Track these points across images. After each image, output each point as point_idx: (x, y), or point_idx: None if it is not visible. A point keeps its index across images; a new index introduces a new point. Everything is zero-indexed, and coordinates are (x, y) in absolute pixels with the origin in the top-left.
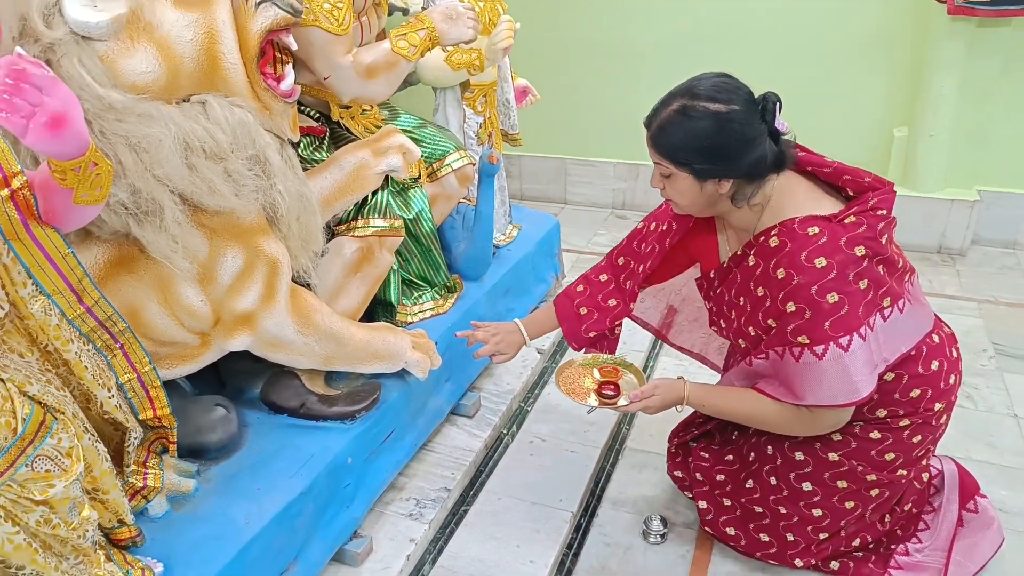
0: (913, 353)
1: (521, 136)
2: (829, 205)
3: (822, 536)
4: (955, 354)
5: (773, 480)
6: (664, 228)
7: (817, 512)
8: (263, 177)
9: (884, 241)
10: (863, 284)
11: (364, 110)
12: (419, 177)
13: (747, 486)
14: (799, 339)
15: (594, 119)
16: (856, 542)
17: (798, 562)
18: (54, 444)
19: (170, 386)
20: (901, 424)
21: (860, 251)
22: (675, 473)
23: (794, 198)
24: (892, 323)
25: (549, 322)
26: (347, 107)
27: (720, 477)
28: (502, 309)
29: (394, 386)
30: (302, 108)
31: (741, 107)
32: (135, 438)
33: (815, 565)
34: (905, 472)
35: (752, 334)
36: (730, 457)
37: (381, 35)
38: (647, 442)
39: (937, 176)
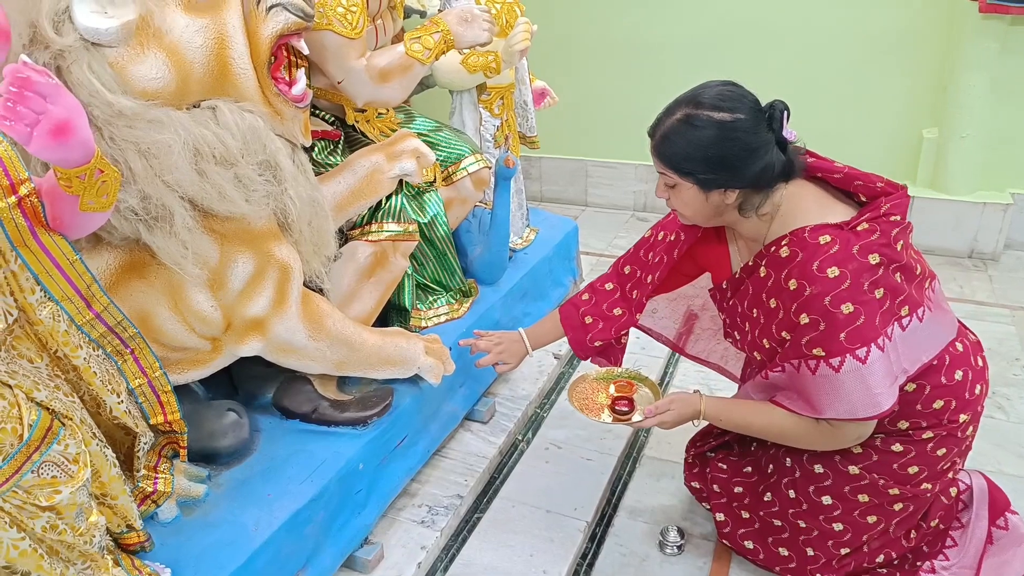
0: (935, 363)
1: (539, 138)
2: (841, 212)
3: (843, 551)
4: (980, 363)
5: (792, 493)
6: (672, 238)
7: (838, 526)
8: (274, 182)
9: (900, 247)
10: (879, 293)
11: (380, 114)
12: (434, 181)
13: (765, 499)
14: (814, 351)
15: (614, 120)
16: (880, 558)
17: None
18: (61, 450)
19: (183, 391)
20: (924, 436)
21: (874, 259)
22: (692, 484)
23: (804, 206)
24: (911, 332)
25: (554, 331)
26: (362, 111)
27: (738, 489)
28: (518, 313)
29: (407, 391)
30: (317, 112)
31: (746, 116)
32: (145, 443)
33: None
34: (930, 486)
35: (767, 347)
36: (748, 469)
37: (397, 38)
38: (665, 451)
39: (968, 178)
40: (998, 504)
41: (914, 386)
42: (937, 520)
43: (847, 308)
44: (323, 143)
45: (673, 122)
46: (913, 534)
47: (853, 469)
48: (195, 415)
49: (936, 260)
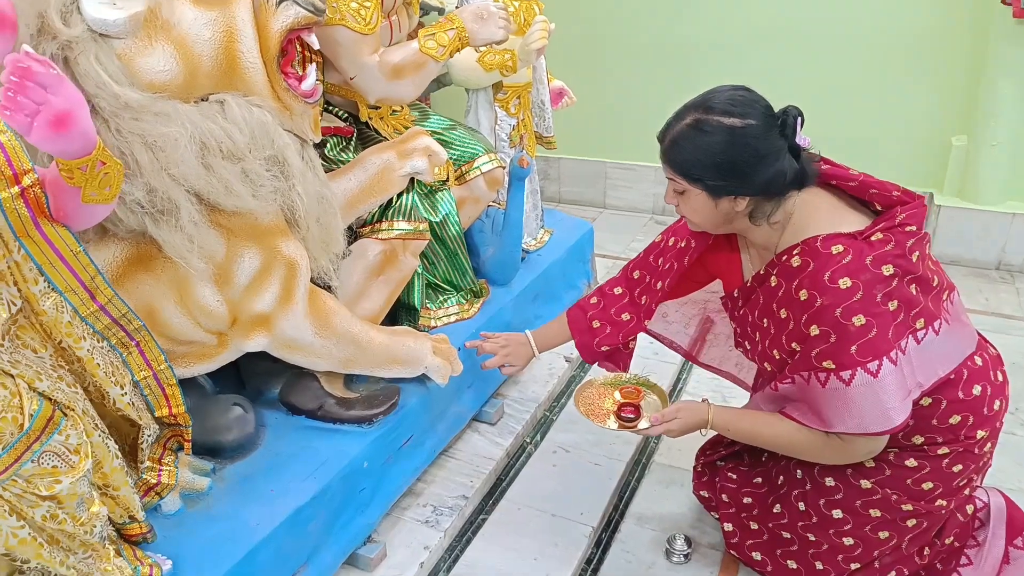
0: (952, 377)
1: (556, 139)
2: (854, 221)
3: (854, 566)
4: (1000, 377)
5: (802, 506)
6: (683, 245)
7: (848, 541)
8: (281, 178)
9: (915, 258)
10: (892, 305)
11: (394, 111)
12: (447, 180)
13: (775, 511)
14: (824, 364)
15: (634, 121)
16: (892, 575)
17: None
18: (62, 440)
19: (190, 384)
20: (939, 452)
21: (888, 270)
22: (701, 493)
23: (817, 215)
24: (927, 346)
25: (561, 334)
26: (376, 107)
27: (747, 500)
28: (530, 315)
29: (414, 391)
30: (330, 108)
31: (757, 121)
32: (148, 435)
33: None
34: (945, 503)
35: (777, 358)
36: (758, 480)
37: (413, 35)
38: (676, 457)
39: (998, 188)
40: (1016, 523)
41: (930, 400)
42: (952, 538)
43: (859, 320)
44: (335, 139)
45: (682, 127)
46: (927, 551)
47: (865, 483)
48: (201, 409)
49: (962, 271)
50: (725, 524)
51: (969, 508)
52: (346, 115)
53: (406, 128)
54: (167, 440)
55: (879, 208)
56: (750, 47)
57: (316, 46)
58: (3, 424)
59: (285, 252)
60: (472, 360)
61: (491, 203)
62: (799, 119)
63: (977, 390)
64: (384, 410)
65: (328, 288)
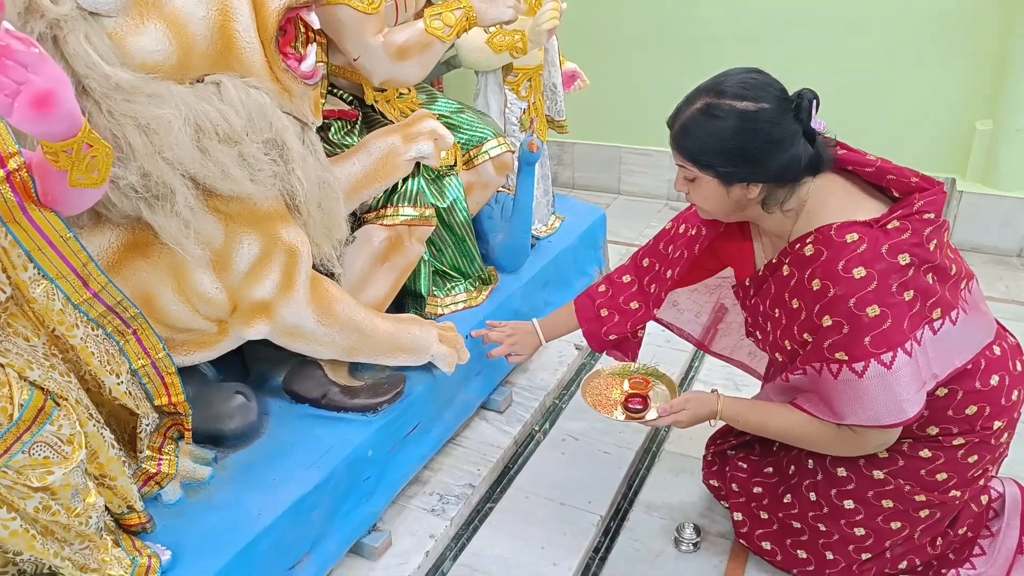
0: (969, 367)
1: (568, 123)
2: (871, 209)
3: (864, 556)
4: (1019, 367)
5: (813, 496)
6: (694, 232)
7: (859, 531)
8: (280, 162)
9: (933, 247)
10: (908, 295)
11: (400, 93)
12: (455, 164)
13: (785, 501)
14: (837, 355)
15: (650, 105)
16: (903, 565)
17: None
18: (54, 431)
19: (192, 371)
20: (955, 443)
21: (904, 259)
22: (711, 482)
23: (832, 202)
24: (944, 336)
25: (569, 323)
26: (382, 90)
27: (757, 490)
28: (539, 303)
29: (420, 379)
30: (335, 91)
31: (771, 105)
32: (147, 424)
33: None
34: (959, 493)
35: (788, 348)
36: (769, 469)
37: (420, 14)
38: (686, 446)
39: (1022, 174)
40: None
41: (946, 391)
42: (965, 528)
43: (873, 311)
44: (340, 123)
45: (693, 112)
46: (939, 541)
47: (878, 474)
48: (203, 397)
49: (982, 258)
50: (735, 514)
51: (984, 498)
52: (351, 98)
53: (413, 111)
54: (167, 429)
55: (896, 195)
56: (767, 29)
57: (316, 25)
58: None
59: (285, 238)
60: (480, 347)
61: (500, 189)
62: (814, 102)
63: (995, 380)
64: (389, 399)
65: (331, 275)
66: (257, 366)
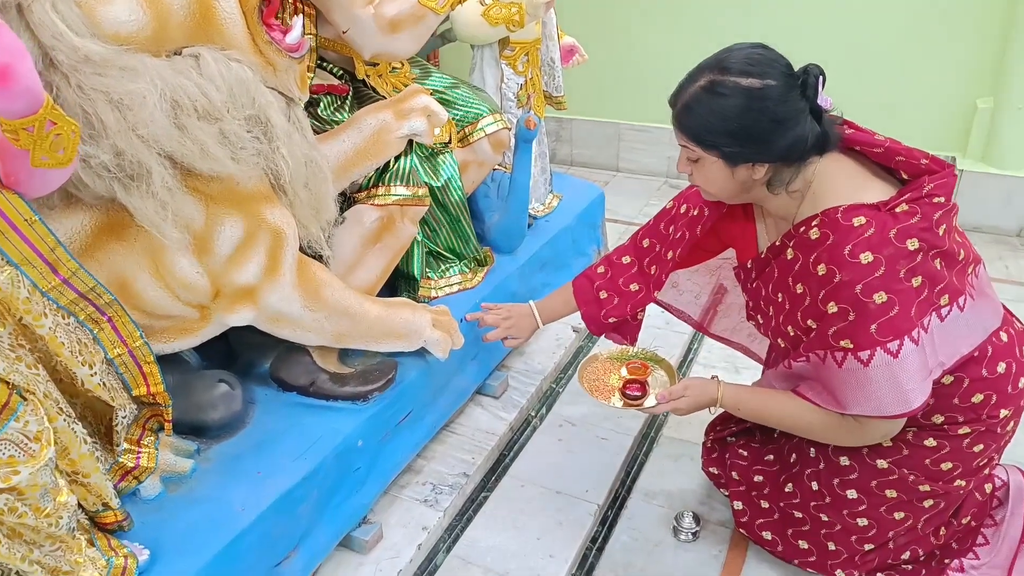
0: (976, 354)
1: (566, 99)
2: (878, 191)
3: (867, 547)
4: None
5: (815, 485)
6: (696, 213)
7: (862, 521)
8: (264, 140)
9: (942, 232)
10: (916, 281)
11: (393, 68)
12: (449, 142)
13: (786, 490)
14: (841, 343)
15: (651, 81)
16: (906, 555)
17: (839, 573)
18: (19, 428)
19: (174, 359)
20: (960, 432)
21: (913, 244)
22: (710, 470)
23: (838, 183)
24: (950, 323)
25: (566, 305)
26: (373, 64)
27: (758, 478)
28: (537, 284)
29: (413, 365)
30: (324, 64)
31: (777, 82)
32: (124, 416)
33: None
34: (963, 483)
35: (791, 334)
36: (770, 457)
37: None
38: (686, 431)
39: (1023, 152)
40: None
41: (952, 379)
42: (969, 517)
43: (880, 297)
44: (330, 98)
45: (696, 90)
46: (943, 531)
47: (881, 463)
48: (184, 385)
49: (983, 238)
50: (735, 502)
51: (987, 487)
52: (341, 72)
53: (405, 86)
54: (146, 420)
55: (905, 177)
56: (771, 3)
57: None
58: None
59: (270, 220)
60: (475, 331)
61: (496, 167)
62: (820, 78)
63: (1002, 367)
64: (380, 386)
65: (319, 258)
66: (244, 352)
